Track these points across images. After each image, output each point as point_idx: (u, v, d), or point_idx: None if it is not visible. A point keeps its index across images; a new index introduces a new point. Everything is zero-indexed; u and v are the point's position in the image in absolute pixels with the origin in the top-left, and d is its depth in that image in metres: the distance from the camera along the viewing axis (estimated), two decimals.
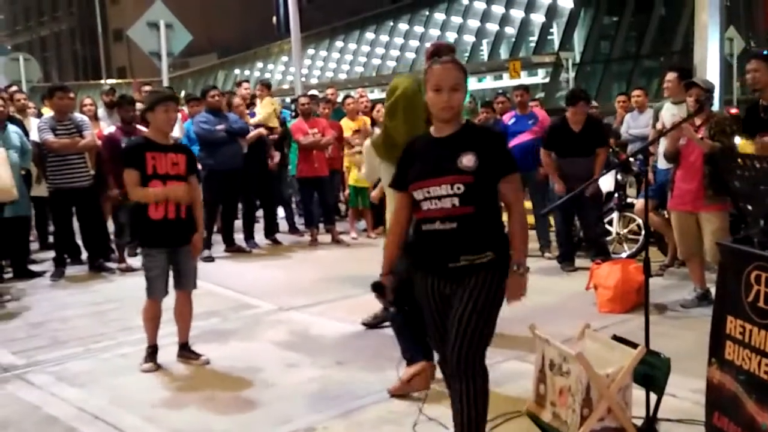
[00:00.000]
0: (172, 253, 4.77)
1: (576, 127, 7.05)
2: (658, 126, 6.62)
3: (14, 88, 10.63)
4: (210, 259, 8.22)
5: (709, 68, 7.61)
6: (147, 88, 10.29)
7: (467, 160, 2.85)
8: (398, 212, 3.10)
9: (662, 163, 6.42)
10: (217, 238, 8.76)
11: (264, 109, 9.53)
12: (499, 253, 2.91)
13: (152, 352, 4.85)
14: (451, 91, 2.87)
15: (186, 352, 4.94)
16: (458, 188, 2.85)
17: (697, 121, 5.43)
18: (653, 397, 3.30)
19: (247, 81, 12.22)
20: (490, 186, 2.91)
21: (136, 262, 7.94)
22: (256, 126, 9.17)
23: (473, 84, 28.52)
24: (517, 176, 2.98)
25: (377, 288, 3.08)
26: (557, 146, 7.11)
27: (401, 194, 3.06)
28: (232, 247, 8.73)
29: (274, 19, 50.23)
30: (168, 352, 5.00)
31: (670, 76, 6.50)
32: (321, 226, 9.30)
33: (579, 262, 7.26)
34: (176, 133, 8.75)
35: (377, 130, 5.94)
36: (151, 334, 4.86)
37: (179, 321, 4.97)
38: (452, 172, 2.85)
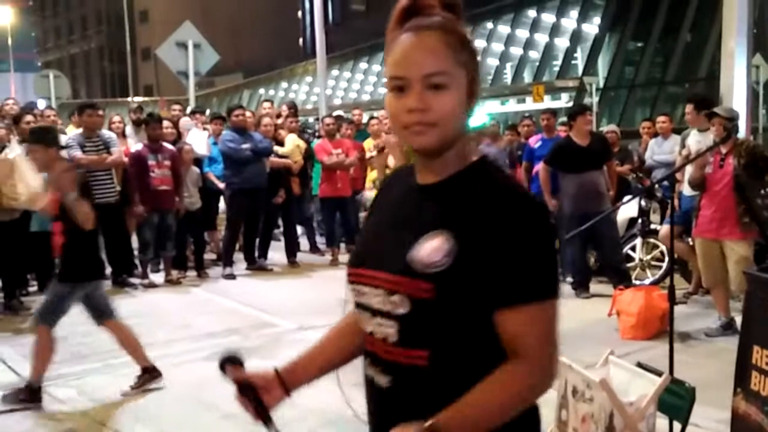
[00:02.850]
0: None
1: (582, 141, 7.09)
2: (684, 152, 6.61)
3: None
4: (231, 276, 8.27)
5: (736, 95, 7.56)
6: (176, 107, 10.44)
7: (430, 251, 1.34)
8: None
9: (687, 190, 6.39)
10: (238, 257, 8.81)
11: (289, 144, 9.57)
12: None
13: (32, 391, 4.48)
14: (427, 89, 1.35)
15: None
16: (396, 305, 1.37)
17: (723, 150, 5.40)
18: (677, 426, 3.26)
19: (270, 101, 12.29)
20: (473, 316, 1.36)
21: (158, 278, 8.03)
22: (280, 156, 9.18)
23: (495, 107, 28.55)
24: (542, 308, 1.34)
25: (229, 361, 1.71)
26: (565, 163, 7.12)
27: None
28: (253, 266, 8.77)
29: (300, 40, 50.79)
30: (189, 369, 5.02)
31: (688, 107, 6.81)
32: (342, 246, 9.32)
33: (595, 288, 7.20)
34: (203, 150, 8.88)
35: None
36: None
37: None
38: (394, 268, 1.38)
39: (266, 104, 10.99)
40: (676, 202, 6.82)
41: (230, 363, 1.67)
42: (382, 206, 1.57)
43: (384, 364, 1.42)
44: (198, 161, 8.65)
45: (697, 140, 6.44)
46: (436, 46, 1.35)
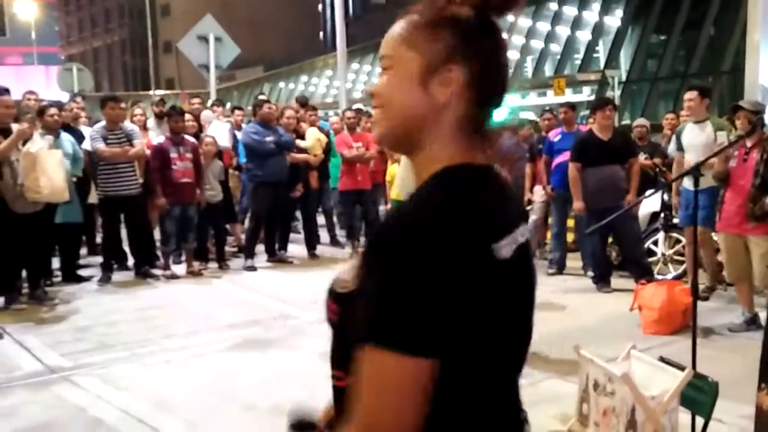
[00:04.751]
0: None
1: (604, 135, 7.02)
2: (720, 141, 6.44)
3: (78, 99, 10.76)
4: (252, 268, 8.32)
5: (761, 89, 7.48)
6: (196, 100, 10.49)
7: (345, 269, 1.28)
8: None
9: (688, 184, 6.24)
10: (259, 249, 8.86)
11: (310, 137, 9.57)
12: None
13: None
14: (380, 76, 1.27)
15: None
16: (330, 319, 1.30)
17: (749, 143, 5.34)
18: (699, 421, 3.24)
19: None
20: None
21: (180, 269, 8.10)
22: (300, 150, 9.19)
23: (516, 100, 28.37)
24: (374, 355, 1.05)
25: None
26: (587, 157, 7.06)
27: None
28: (274, 258, 8.82)
29: (321, 33, 50.82)
30: (211, 360, 5.06)
31: (691, 94, 6.42)
32: (362, 239, 9.34)
33: (616, 282, 7.16)
34: (225, 142, 8.93)
35: None
36: None
37: None
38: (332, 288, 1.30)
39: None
40: (675, 200, 6.80)
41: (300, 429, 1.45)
42: None
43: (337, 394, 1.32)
44: (220, 157, 8.71)
45: (694, 134, 6.33)
46: (394, 30, 1.23)
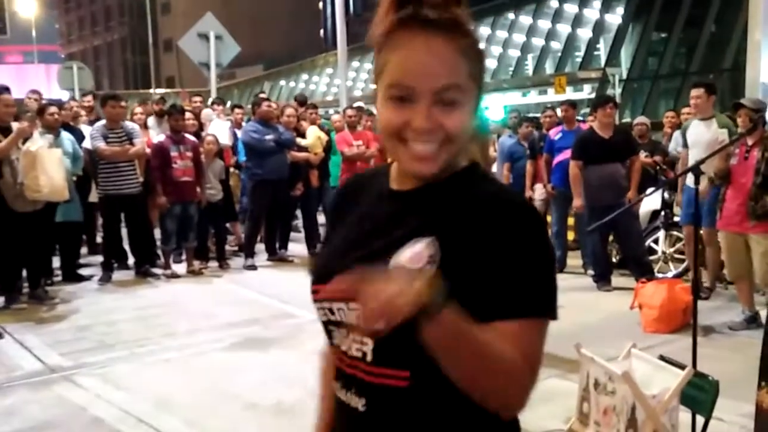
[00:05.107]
0: None
1: (605, 133, 7.02)
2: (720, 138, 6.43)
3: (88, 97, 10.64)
4: (253, 267, 8.32)
5: (762, 87, 7.48)
6: (197, 98, 10.49)
7: (411, 257, 1.11)
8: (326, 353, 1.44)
9: (690, 181, 6.24)
10: (259, 248, 8.86)
11: (311, 135, 9.56)
12: None
13: None
14: (435, 105, 1.18)
15: None
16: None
17: (750, 141, 5.33)
18: (700, 420, 3.24)
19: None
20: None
21: (180, 268, 8.10)
22: (301, 148, 9.17)
23: (516, 98, 28.39)
24: (534, 326, 1.19)
25: None
26: (588, 155, 7.05)
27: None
28: (274, 257, 8.81)
29: (321, 32, 50.79)
30: (211, 359, 5.06)
31: (698, 92, 6.34)
32: None
33: (616, 281, 7.16)
34: (225, 140, 8.93)
35: None
36: None
37: None
38: None
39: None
40: (679, 197, 6.77)
41: None
42: (348, 215, 1.37)
43: (359, 385, 1.26)
44: (221, 155, 8.70)
45: (700, 131, 6.30)
46: (450, 54, 1.16)
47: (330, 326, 1.31)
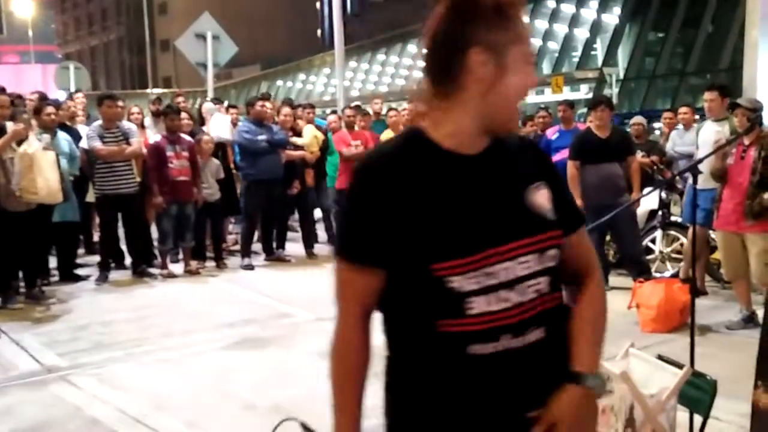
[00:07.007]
0: None
1: (602, 133, 7.02)
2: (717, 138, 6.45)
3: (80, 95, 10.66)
4: (249, 267, 8.31)
5: (759, 86, 7.48)
6: (180, 99, 10.47)
7: (542, 197, 1.51)
8: (351, 330, 1.63)
9: (707, 184, 6.29)
10: (257, 247, 8.85)
11: (308, 134, 9.55)
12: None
13: None
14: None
15: None
16: (550, 259, 1.50)
17: (746, 141, 5.33)
18: (698, 419, 3.23)
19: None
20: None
21: (177, 268, 8.09)
22: (296, 147, 9.15)
23: None
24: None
25: None
26: (585, 155, 7.05)
27: (365, 280, 1.54)
28: (271, 256, 8.80)
29: (319, 32, 50.78)
30: (208, 358, 5.05)
31: (712, 95, 6.38)
32: None
33: (614, 280, 7.16)
34: (226, 135, 8.92)
35: None
36: None
37: None
38: (535, 226, 1.49)
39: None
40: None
41: None
42: (436, 191, 1.43)
43: (538, 318, 1.47)
44: (224, 149, 8.70)
45: (715, 130, 6.32)
46: None
47: (485, 292, 1.41)
